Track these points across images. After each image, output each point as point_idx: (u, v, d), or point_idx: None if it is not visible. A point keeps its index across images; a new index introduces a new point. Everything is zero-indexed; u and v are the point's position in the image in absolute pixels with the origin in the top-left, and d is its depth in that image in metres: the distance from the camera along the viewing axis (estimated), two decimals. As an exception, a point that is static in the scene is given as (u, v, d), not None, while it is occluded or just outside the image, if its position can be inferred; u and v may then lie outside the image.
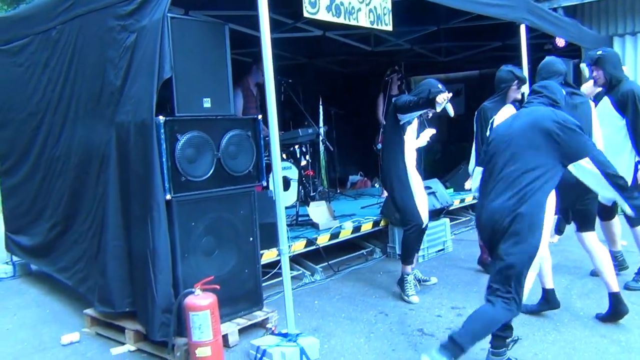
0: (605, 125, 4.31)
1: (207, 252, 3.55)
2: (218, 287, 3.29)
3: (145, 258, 3.35)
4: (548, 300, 3.84)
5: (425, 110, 4.23)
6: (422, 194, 4.53)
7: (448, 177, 7.82)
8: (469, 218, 7.33)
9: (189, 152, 3.40)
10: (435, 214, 5.85)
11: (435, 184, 6.04)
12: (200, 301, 3.14)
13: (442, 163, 9.24)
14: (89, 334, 3.98)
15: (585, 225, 3.82)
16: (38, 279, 5.55)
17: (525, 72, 6.09)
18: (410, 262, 4.47)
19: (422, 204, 4.47)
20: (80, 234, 4.23)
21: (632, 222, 4.32)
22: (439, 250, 5.79)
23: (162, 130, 3.26)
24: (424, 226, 4.50)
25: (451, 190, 7.32)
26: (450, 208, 6.41)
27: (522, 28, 5.97)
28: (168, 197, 3.31)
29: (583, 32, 7.91)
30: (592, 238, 3.78)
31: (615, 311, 3.62)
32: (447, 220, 6.00)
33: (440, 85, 4.16)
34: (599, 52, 4.27)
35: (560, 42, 7.23)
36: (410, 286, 4.41)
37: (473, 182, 3.70)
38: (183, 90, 3.39)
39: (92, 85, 3.91)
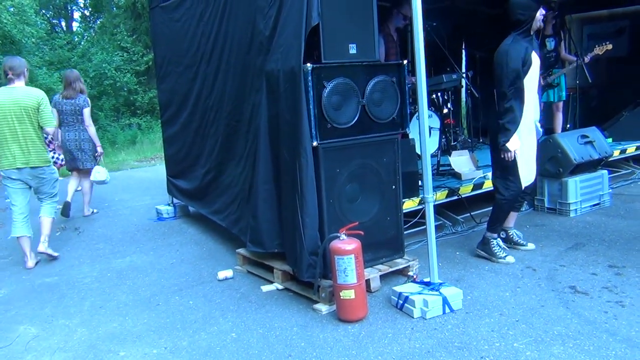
0: None
1: (351, 199, 3.61)
2: (362, 232, 3.34)
3: (293, 202, 3.49)
4: None
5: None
6: (529, 150, 4.01)
7: (607, 126, 7.10)
8: (630, 171, 6.65)
9: (334, 99, 3.43)
10: (592, 165, 5.38)
11: (594, 132, 5.51)
12: (346, 246, 3.21)
13: (599, 110, 8.39)
14: (241, 271, 4.31)
15: None
16: (195, 220, 6.08)
17: None
18: (497, 231, 4.17)
19: (527, 162, 3.99)
20: (233, 178, 4.52)
21: None
22: (594, 205, 5.33)
23: (310, 78, 3.30)
24: (527, 187, 4.06)
25: (610, 139, 6.66)
26: (610, 159, 5.84)
27: None
28: (315, 143, 3.38)
29: None
30: None
31: None
32: (605, 172, 5.48)
33: None
34: None
35: None
36: (499, 248, 4.10)
37: None
38: (330, 36, 3.39)
39: (243, 35, 4.07)
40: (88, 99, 6.46)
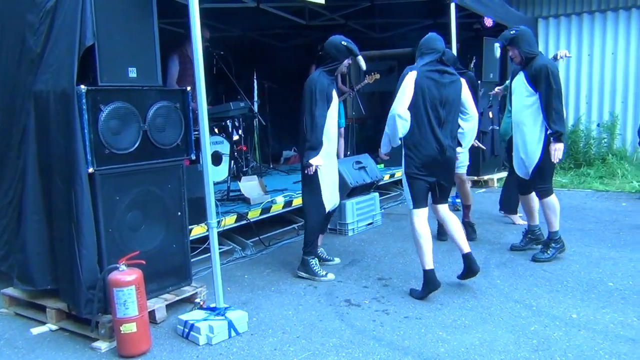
0: (517, 100, 4.54)
1: (133, 227, 3.47)
2: (144, 262, 3.24)
3: (69, 233, 3.24)
4: (428, 282, 3.84)
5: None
6: (332, 175, 4.40)
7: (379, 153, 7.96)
8: (398, 193, 7.52)
9: (113, 124, 3.29)
10: (365, 189, 5.97)
11: (366, 159, 6.15)
12: (125, 277, 3.07)
13: (374, 139, 9.38)
14: (8, 314, 3.83)
15: (442, 198, 4.03)
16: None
17: (454, 50, 6.28)
18: (313, 253, 4.42)
19: (330, 187, 4.37)
20: (1, 208, 4.02)
21: (540, 194, 4.58)
22: (368, 224, 5.92)
23: (84, 101, 3.12)
24: (331, 209, 4.46)
25: (382, 165, 7.47)
26: (380, 183, 6.55)
27: (452, 6, 6.12)
28: (91, 170, 3.19)
29: (510, 13, 8.21)
30: (445, 209, 4.06)
31: (468, 269, 3.97)
32: (376, 194, 6.14)
33: (344, 42, 4.17)
34: (512, 32, 4.41)
35: (488, 21, 7.47)
36: (318, 267, 4.36)
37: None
38: (106, 58, 3.26)
39: (12, 51, 3.69)
40: None
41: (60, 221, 3.37)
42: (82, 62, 3.18)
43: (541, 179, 4.48)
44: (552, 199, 4.50)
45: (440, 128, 3.81)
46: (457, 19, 6.34)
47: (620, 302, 3.62)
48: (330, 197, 4.36)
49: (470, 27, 7.98)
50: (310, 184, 4.25)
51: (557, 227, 4.54)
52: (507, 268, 4.41)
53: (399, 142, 3.87)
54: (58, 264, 3.48)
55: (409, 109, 3.75)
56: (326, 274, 4.35)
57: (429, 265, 3.83)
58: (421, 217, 3.89)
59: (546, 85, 4.24)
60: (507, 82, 5.41)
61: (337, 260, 4.74)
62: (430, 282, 3.81)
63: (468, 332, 3.25)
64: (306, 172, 4.16)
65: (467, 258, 3.94)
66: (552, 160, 4.31)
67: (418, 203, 3.88)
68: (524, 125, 4.47)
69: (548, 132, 4.31)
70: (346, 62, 4.26)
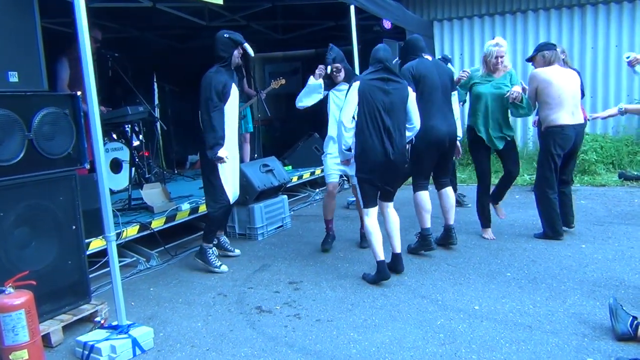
0: None
1: (21, 245, 3.19)
2: (35, 282, 2.98)
3: (-59, 256, 2.92)
4: (380, 271, 4.09)
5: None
6: (233, 170, 4.54)
7: (287, 155, 7.95)
8: (307, 194, 7.53)
9: (-8, 134, 3.00)
10: (273, 192, 5.91)
11: (273, 161, 6.08)
12: (13, 300, 2.80)
13: (281, 140, 9.37)
14: None
15: (388, 198, 4.29)
16: None
17: (355, 52, 6.38)
18: (212, 241, 4.63)
19: (231, 179, 4.53)
20: None
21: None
22: (278, 227, 5.87)
23: (-44, 109, 2.83)
24: (233, 200, 4.62)
25: (289, 167, 7.46)
26: (288, 185, 6.52)
27: (352, 9, 6.20)
28: (-32, 185, 2.90)
29: (407, 16, 8.48)
30: (390, 207, 4.32)
31: (392, 268, 4.23)
32: (285, 197, 6.09)
33: (226, 35, 4.37)
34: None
35: (387, 24, 7.67)
36: (214, 257, 4.59)
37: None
38: (-19, 62, 2.98)
39: None
40: None
41: None
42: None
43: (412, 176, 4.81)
44: (418, 195, 4.72)
45: (385, 133, 3.98)
46: (357, 21, 6.43)
47: (518, 291, 3.83)
48: (232, 189, 4.53)
49: (371, 29, 8.15)
50: (211, 174, 4.38)
51: (425, 225, 4.69)
52: (413, 264, 4.53)
53: (350, 147, 4.09)
54: None
55: (355, 117, 3.99)
56: (220, 265, 4.55)
57: (380, 256, 4.07)
58: (372, 216, 4.14)
59: None
60: None
61: (237, 251, 4.99)
62: (381, 272, 4.07)
63: (378, 331, 3.29)
64: (219, 164, 4.29)
65: (396, 257, 4.28)
66: None
67: (368, 203, 4.14)
68: None
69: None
70: (236, 52, 4.40)
